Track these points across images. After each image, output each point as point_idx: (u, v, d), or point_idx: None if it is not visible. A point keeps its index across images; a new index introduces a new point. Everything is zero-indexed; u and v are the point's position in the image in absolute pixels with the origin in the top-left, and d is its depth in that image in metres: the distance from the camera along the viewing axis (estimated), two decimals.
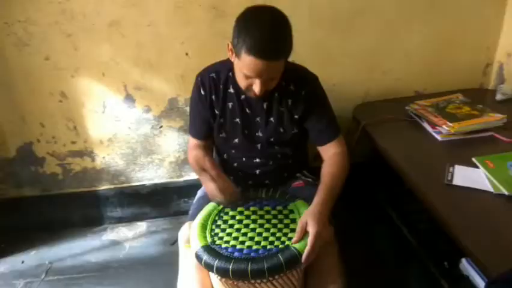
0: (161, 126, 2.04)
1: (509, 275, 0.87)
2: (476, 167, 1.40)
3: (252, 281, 1.15)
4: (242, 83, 1.31)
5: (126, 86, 1.93)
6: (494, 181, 1.30)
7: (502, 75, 2.03)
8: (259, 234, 1.25)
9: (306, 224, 1.19)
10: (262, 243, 1.21)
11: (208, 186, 1.36)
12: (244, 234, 1.25)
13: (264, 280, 1.15)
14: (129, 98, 1.96)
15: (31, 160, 2.06)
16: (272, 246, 1.19)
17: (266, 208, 1.36)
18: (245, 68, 1.23)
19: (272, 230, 1.25)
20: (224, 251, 1.19)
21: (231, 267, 1.12)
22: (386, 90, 2.05)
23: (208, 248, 1.19)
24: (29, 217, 2.15)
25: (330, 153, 1.43)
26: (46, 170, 2.09)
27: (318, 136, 1.46)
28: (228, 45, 1.30)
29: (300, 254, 1.14)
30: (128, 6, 1.78)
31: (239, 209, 1.36)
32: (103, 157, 2.08)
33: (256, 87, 1.27)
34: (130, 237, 2.14)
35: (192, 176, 2.17)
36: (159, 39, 1.85)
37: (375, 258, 1.86)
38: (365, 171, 1.93)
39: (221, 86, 1.43)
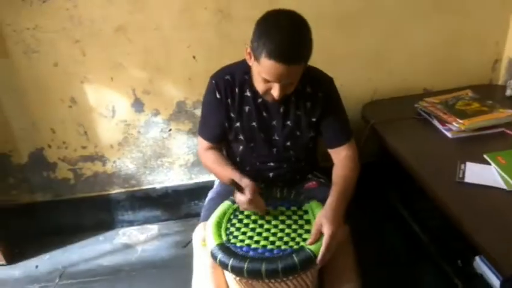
0: (170, 130, 2.05)
1: None
2: (488, 163, 1.39)
3: (266, 281, 1.15)
4: (260, 86, 1.30)
5: (135, 90, 1.94)
6: (507, 177, 1.29)
7: (511, 71, 2.01)
8: (274, 234, 1.25)
9: (321, 225, 1.19)
10: (277, 243, 1.21)
11: (241, 199, 1.30)
12: (259, 233, 1.26)
13: (278, 280, 1.15)
14: (138, 102, 1.97)
15: (43, 166, 2.08)
16: (287, 247, 1.19)
17: (280, 208, 1.35)
18: (264, 72, 1.23)
19: (287, 231, 1.26)
20: (239, 249, 1.19)
21: (245, 266, 1.12)
22: (394, 89, 2.03)
23: (223, 247, 1.20)
24: (41, 222, 2.17)
25: (341, 156, 1.43)
26: (58, 175, 2.11)
27: (331, 139, 1.46)
28: (246, 48, 1.30)
29: (315, 255, 1.14)
30: (135, 11, 1.79)
31: None
32: (114, 161, 2.10)
33: (275, 92, 1.27)
34: (142, 240, 2.15)
35: (202, 178, 2.18)
36: (166, 42, 1.86)
37: (387, 256, 1.86)
38: (375, 170, 1.93)
39: (237, 89, 1.41)
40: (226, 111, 1.43)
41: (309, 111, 1.42)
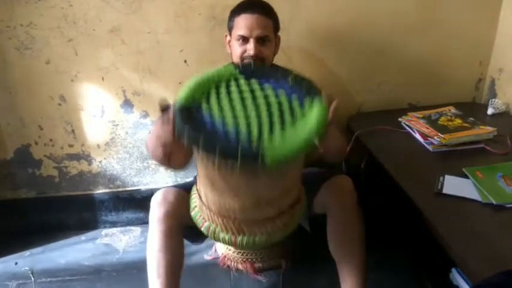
0: None
1: (492, 279, 0.89)
2: (466, 177, 1.43)
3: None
4: (238, 53, 1.46)
5: (125, 91, 1.96)
6: (483, 191, 1.32)
7: (493, 90, 2.07)
8: (247, 116, 1.12)
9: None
10: (241, 123, 1.09)
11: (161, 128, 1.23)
12: (235, 115, 1.12)
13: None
14: (127, 103, 1.99)
15: (28, 162, 2.07)
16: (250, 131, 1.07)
17: (281, 97, 1.19)
18: (239, 30, 1.44)
19: (262, 114, 1.12)
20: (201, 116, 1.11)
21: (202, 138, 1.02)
22: (380, 102, 2.08)
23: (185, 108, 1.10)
24: (24, 219, 2.16)
25: None
26: (43, 172, 2.11)
27: None
28: (226, 36, 1.56)
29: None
30: (129, 14, 1.82)
31: (254, 83, 1.23)
32: (100, 161, 2.10)
33: (251, 48, 1.43)
34: (124, 241, 2.15)
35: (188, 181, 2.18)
36: (159, 46, 1.89)
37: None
38: (358, 179, 1.95)
39: None
40: None
41: None
